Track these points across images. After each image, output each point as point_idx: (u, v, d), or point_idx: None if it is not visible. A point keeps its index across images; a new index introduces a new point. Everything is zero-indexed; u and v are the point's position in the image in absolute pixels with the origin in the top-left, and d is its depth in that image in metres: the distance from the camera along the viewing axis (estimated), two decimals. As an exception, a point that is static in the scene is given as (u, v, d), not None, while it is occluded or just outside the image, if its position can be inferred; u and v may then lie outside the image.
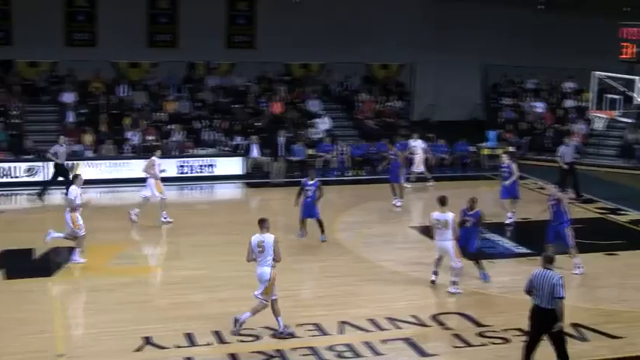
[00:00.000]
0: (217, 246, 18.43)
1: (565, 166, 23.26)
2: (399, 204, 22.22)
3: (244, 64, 31.70)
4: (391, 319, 13.74)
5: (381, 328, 13.41)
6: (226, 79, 31.39)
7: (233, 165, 26.41)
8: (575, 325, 13.56)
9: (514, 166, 20.43)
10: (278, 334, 12.99)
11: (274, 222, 21.13)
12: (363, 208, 22.26)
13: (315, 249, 18.28)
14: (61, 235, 16.85)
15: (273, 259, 13.06)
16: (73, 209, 16.61)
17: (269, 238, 13.18)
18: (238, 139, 27.80)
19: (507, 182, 20.33)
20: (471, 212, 15.76)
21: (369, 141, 28.59)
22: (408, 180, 24.76)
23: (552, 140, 30.02)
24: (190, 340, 12.77)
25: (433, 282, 15.63)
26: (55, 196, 22.80)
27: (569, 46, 33.30)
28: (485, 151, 29.25)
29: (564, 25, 33.76)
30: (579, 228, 19.38)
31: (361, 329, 13.36)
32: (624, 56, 21.10)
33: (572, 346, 12.80)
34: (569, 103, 31.98)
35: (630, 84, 20.61)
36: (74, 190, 16.78)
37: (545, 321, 11.27)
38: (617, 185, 26.10)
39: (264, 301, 12.97)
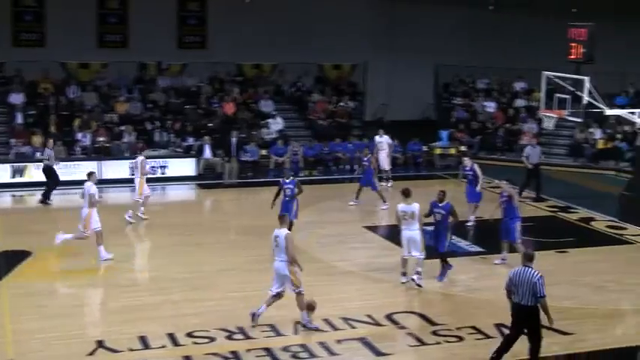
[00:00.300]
0: (170, 247, 18.28)
1: (530, 166, 23.45)
2: (384, 207, 22.01)
3: (196, 65, 31.49)
4: (346, 319, 13.74)
5: (335, 328, 13.41)
6: (178, 79, 31.16)
7: (185, 166, 26.23)
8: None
9: (477, 168, 20.38)
10: (305, 327, 13.32)
11: (226, 223, 21.23)
12: (317, 209, 22.24)
13: (268, 249, 18.17)
14: (69, 236, 16.97)
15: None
16: (92, 204, 16.93)
17: (282, 233, 13.47)
18: (190, 140, 27.61)
19: (478, 187, 20.21)
20: (441, 205, 15.78)
21: (322, 141, 28.61)
22: (384, 179, 24.99)
23: (503, 139, 30.37)
24: (144, 343, 12.63)
25: (404, 283, 15.68)
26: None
27: (519, 46, 33.73)
28: (438, 151, 29.46)
29: (515, 25, 34.18)
30: (530, 226, 19.70)
31: (316, 329, 13.33)
32: (572, 56, 21.33)
33: (524, 343, 12.96)
34: (519, 102, 32.33)
35: (579, 84, 20.87)
36: (91, 186, 17.13)
37: (526, 318, 11.52)
38: (568, 184, 26.47)
39: (300, 290, 13.24)
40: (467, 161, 20.83)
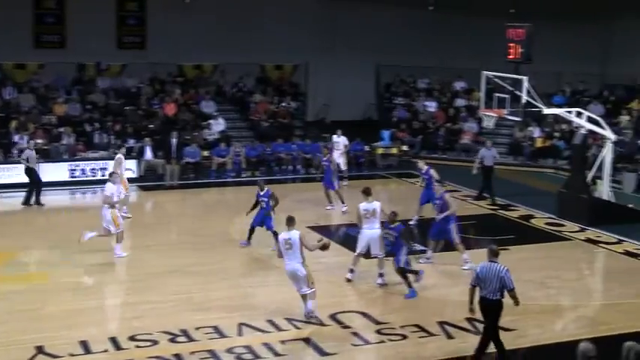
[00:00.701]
0: (111, 251, 18.01)
1: (476, 169, 23.41)
2: (344, 209, 21.82)
3: (136, 66, 31.18)
4: (290, 320, 13.70)
5: (279, 329, 13.37)
6: (117, 80, 30.79)
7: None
8: (469, 320, 13.81)
9: (433, 172, 20.21)
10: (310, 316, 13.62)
11: (168, 224, 21.02)
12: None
13: (209, 251, 18.09)
14: (94, 233, 17.15)
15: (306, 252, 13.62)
16: (112, 206, 17.34)
17: (295, 234, 13.57)
18: (131, 142, 27.30)
19: (434, 190, 20.02)
20: (392, 226, 15.41)
21: (265, 142, 28.53)
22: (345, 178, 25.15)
23: (444, 139, 30.66)
24: (85, 347, 12.42)
25: (349, 280, 15.71)
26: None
27: (459, 46, 34.10)
28: (380, 151, 29.60)
29: (454, 25, 34.55)
30: (471, 224, 19.93)
31: (260, 330, 13.28)
32: (511, 56, 21.62)
33: (467, 340, 13.10)
34: (460, 102, 32.68)
35: (518, 83, 21.15)
36: (111, 187, 17.61)
37: (492, 311, 11.79)
38: (508, 182, 26.79)
39: (312, 289, 13.54)
40: (421, 164, 20.77)
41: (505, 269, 11.67)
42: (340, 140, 26.10)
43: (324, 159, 22.86)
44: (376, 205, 15.68)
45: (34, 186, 22.62)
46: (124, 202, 20.49)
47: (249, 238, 18.28)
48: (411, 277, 15.23)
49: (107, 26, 31.23)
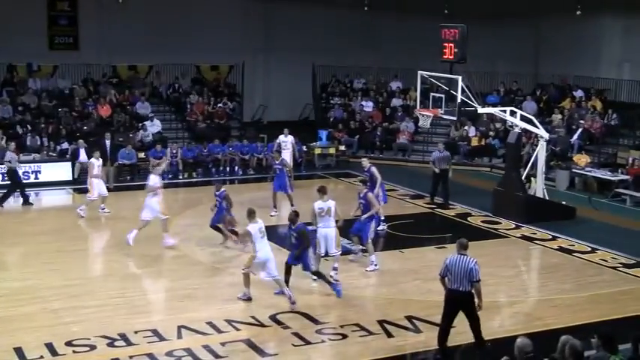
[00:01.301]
0: (46, 254, 17.70)
1: (437, 171, 23.30)
2: (273, 214, 21.54)
3: (68, 66, 30.69)
4: (230, 321, 13.63)
5: (219, 331, 13.28)
6: (50, 81, 30.24)
7: (60, 170, 25.40)
8: (409, 318, 13.94)
9: (374, 170, 20.09)
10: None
11: (104, 228, 20.69)
12: (197, 211, 21.96)
13: (147, 254, 17.87)
14: (135, 231, 17.96)
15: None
16: (156, 194, 18.30)
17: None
18: (65, 144, 26.82)
19: (375, 190, 20.06)
20: (294, 227, 15.22)
21: (201, 143, 28.31)
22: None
23: (381, 138, 30.82)
24: (19, 354, 12.15)
25: (336, 280, 15.63)
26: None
27: (394, 46, 34.39)
28: (317, 151, 29.60)
29: (389, 25, 34.85)
30: (409, 223, 20.07)
31: (200, 333, 13.18)
32: (446, 56, 21.82)
33: (407, 338, 13.20)
34: (396, 101, 32.90)
35: (453, 83, 21.36)
36: (154, 178, 18.67)
37: (461, 303, 12.12)
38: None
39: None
40: (365, 162, 20.69)
41: (474, 261, 11.99)
42: (287, 140, 26.00)
43: (277, 163, 22.14)
44: (331, 204, 15.77)
45: (14, 187, 22.77)
46: (103, 200, 21.62)
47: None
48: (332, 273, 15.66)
49: (38, 26, 30.68)
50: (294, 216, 15.19)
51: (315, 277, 15.42)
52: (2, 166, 23.59)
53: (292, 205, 21.43)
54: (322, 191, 16.01)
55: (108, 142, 25.64)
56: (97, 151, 22.24)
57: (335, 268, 15.82)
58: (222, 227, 18.45)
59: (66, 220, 21.20)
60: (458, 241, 12.40)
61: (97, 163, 21.41)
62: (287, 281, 14.95)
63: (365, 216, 17.01)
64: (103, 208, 21.71)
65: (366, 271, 16.75)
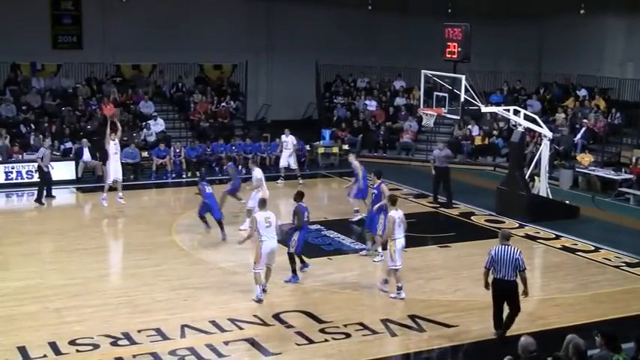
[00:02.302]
0: (50, 253, 17.74)
1: (434, 170, 23.39)
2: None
3: (72, 66, 30.71)
4: (233, 320, 13.63)
5: (223, 330, 13.28)
6: (53, 81, 30.25)
7: (64, 170, 25.34)
8: (412, 317, 13.94)
9: (358, 165, 20.30)
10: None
11: (107, 227, 20.69)
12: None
13: (150, 253, 17.89)
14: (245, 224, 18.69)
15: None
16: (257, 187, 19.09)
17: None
18: (68, 143, 26.82)
19: (359, 184, 20.16)
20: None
21: (205, 142, 28.30)
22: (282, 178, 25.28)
23: (385, 137, 30.81)
24: (23, 353, 12.15)
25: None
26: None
27: (398, 46, 34.40)
28: (321, 150, 29.58)
29: (393, 24, 34.87)
30: (413, 222, 20.00)
31: (203, 332, 13.18)
32: (449, 56, 21.78)
33: (410, 337, 13.20)
34: (399, 101, 32.87)
35: (456, 82, 21.33)
36: (258, 171, 19.46)
37: (507, 292, 12.67)
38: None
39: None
40: (351, 157, 20.89)
41: (519, 251, 12.63)
42: (288, 140, 26.08)
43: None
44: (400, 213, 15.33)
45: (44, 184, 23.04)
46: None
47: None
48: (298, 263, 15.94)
49: (41, 25, 30.67)
50: (298, 195, 16.04)
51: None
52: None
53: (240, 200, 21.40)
54: (301, 196, 16.14)
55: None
56: (114, 132, 21.61)
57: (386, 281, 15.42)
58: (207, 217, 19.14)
59: (68, 220, 21.22)
60: (500, 232, 13.12)
61: (113, 143, 21.21)
62: (294, 270, 15.74)
63: (376, 206, 17.20)
64: (121, 197, 21.50)
65: (373, 262, 17.06)
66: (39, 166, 23.03)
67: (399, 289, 14.92)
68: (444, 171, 23.30)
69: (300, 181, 24.96)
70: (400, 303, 14.76)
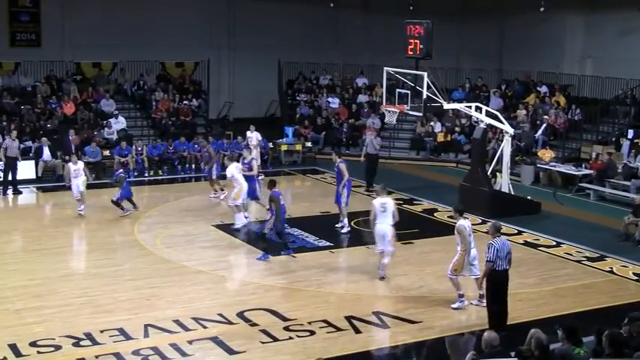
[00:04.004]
0: (10, 254, 17.48)
1: (363, 157, 24.17)
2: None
3: (30, 64, 30.33)
4: (197, 319, 13.55)
5: (187, 329, 13.20)
6: (11, 79, 29.84)
7: (24, 169, 25.00)
8: (376, 313, 13.96)
9: (343, 166, 19.82)
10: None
11: (68, 227, 20.46)
12: (163, 208, 21.88)
13: (112, 252, 17.73)
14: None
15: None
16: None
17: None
18: (28, 142, 26.47)
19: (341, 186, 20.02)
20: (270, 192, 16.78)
21: (167, 140, 28.11)
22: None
23: (347, 135, 30.84)
24: (-18, 355, 12.00)
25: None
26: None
27: (360, 43, 34.45)
28: (284, 147, 29.54)
29: (355, 22, 34.92)
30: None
31: (167, 331, 13.09)
32: (411, 53, 21.84)
33: (375, 334, 13.23)
34: (362, 98, 32.92)
35: (418, 79, 21.41)
36: (234, 167, 19.89)
37: (505, 280, 13.11)
38: (411, 176, 27.15)
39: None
40: (334, 157, 20.59)
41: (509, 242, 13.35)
42: (253, 136, 26.03)
43: (245, 162, 21.06)
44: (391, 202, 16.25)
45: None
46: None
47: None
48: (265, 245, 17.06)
49: (-1, 23, 30.31)
50: (271, 183, 17.15)
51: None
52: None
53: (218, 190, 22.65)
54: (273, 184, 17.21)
55: (71, 138, 25.41)
56: (74, 155, 22.07)
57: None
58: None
59: (29, 220, 20.96)
60: (493, 225, 13.38)
61: (73, 167, 21.18)
62: (265, 249, 17.10)
63: (342, 184, 19.30)
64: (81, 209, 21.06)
65: (335, 226, 19.24)
66: (10, 158, 23.51)
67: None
68: (375, 158, 24.41)
69: (261, 177, 24.72)
70: (365, 300, 14.78)
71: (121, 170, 22.31)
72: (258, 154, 26.05)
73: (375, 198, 16.29)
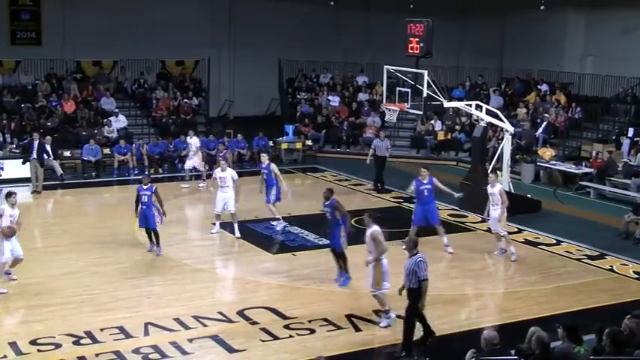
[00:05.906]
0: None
1: (370, 159, 24.14)
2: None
3: (31, 62, 30.33)
4: (197, 318, 13.56)
5: (187, 327, 13.20)
6: (12, 77, 29.84)
7: (23, 167, 24.97)
8: (376, 312, 13.94)
9: (274, 167, 20.08)
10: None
11: (68, 225, 20.45)
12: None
13: (112, 251, 17.72)
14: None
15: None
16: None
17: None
18: (28, 140, 26.41)
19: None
20: (327, 203, 15.63)
21: (167, 138, 28.10)
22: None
23: (348, 133, 30.84)
24: (-19, 355, 12.01)
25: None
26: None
27: (360, 41, 34.44)
28: (284, 146, 29.51)
29: (355, 20, 34.93)
30: (376, 217, 20.02)
31: (167, 329, 13.10)
32: (411, 51, 21.82)
33: (375, 332, 13.20)
34: (362, 96, 32.91)
35: (419, 77, 21.39)
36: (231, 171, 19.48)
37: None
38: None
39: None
40: (264, 158, 20.42)
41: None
42: (192, 142, 25.14)
43: (263, 166, 20.30)
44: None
45: None
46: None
47: (152, 240, 17.57)
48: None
49: (-1, 21, 30.30)
50: (329, 193, 15.68)
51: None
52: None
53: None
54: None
55: (37, 143, 24.13)
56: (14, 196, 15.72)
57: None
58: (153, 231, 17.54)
59: (27, 218, 20.87)
60: (410, 240, 12.90)
61: (8, 211, 15.31)
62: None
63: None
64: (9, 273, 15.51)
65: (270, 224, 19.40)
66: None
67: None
68: (384, 160, 24.27)
69: (203, 184, 24.44)
70: (365, 298, 14.76)
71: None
72: (200, 158, 25.21)
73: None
